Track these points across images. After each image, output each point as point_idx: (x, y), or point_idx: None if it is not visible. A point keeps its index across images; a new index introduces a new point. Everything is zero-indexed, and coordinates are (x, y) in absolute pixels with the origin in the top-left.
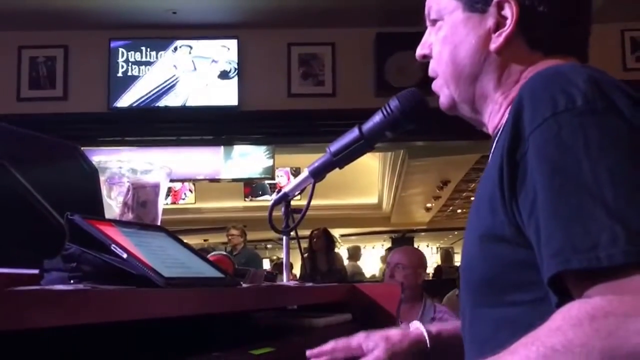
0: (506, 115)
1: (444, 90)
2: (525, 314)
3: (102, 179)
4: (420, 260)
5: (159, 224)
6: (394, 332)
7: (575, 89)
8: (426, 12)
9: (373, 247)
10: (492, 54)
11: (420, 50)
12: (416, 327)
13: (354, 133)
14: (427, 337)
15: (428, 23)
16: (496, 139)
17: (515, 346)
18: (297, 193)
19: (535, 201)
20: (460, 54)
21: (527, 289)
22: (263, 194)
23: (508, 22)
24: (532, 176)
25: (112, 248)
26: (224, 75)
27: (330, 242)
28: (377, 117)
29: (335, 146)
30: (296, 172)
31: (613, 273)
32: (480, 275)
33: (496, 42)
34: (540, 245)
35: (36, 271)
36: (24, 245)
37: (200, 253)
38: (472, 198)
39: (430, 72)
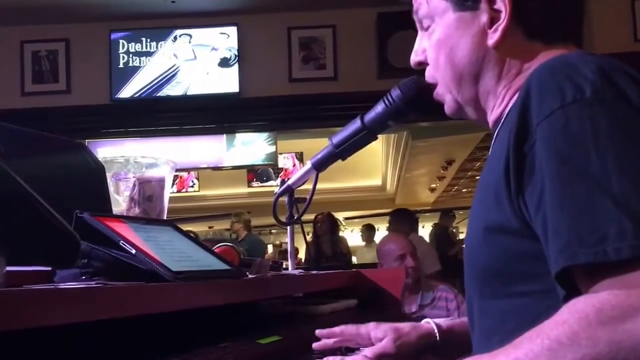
0: (509, 107)
1: (447, 96)
2: (531, 305)
3: (108, 174)
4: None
5: (165, 217)
6: (404, 325)
7: (584, 80)
8: (415, 16)
9: (378, 229)
10: (490, 50)
11: (414, 58)
12: (426, 321)
13: (356, 124)
14: (437, 332)
15: (418, 27)
16: (497, 129)
17: (520, 340)
18: (300, 184)
19: (542, 194)
20: (457, 56)
21: (532, 281)
22: (267, 180)
23: (502, 15)
24: (540, 168)
25: (121, 244)
26: (224, 62)
27: (334, 225)
28: (379, 107)
29: (337, 138)
30: (300, 156)
31: (620, 267)
32: (486, 266)
33: (493, 37)
34: (547, 239)
35: (49, 268)
36: (38, 256)
37: (207, 245)
38: (478, 177)
39: (429, 79)
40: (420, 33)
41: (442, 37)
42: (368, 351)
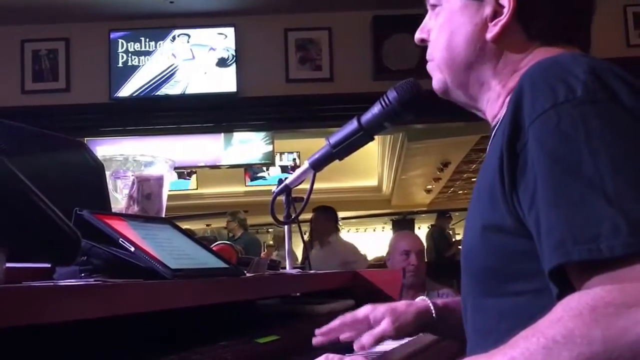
0: (506, 105)
1: (436, 74)
2: (527, 304)
3: (107, 173)
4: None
5: (163, 215)
6: (399, 304)
7: (575, 80)
8: None
9: (374, 230)
10: (488, 42)
11: (419, 34)
12: (422, 299)
13: (353, 125)
14: (432, 309)
15: (428, 7)
16: (495, 128)
17: (515, 339)
18: (297, 184)
19: (535, 192)
20: (455, 41)
21: (529, 279)
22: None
23: (505, 10)
24: (532, 167)
25: (120, 242)
26: (222, 62)
27: None
28: (376, 109)
29: (334, 138)
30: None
31: (614, 264)
32: (482, 265)
33: (492, 31)
34: (540, 237)
35: (48, 265)
36: (39, 252)
37: (205, 244)
38: (473, 179)
39: (428, 56)
40: (429, 12)
41: (446, 21)
42: (368, 335)
